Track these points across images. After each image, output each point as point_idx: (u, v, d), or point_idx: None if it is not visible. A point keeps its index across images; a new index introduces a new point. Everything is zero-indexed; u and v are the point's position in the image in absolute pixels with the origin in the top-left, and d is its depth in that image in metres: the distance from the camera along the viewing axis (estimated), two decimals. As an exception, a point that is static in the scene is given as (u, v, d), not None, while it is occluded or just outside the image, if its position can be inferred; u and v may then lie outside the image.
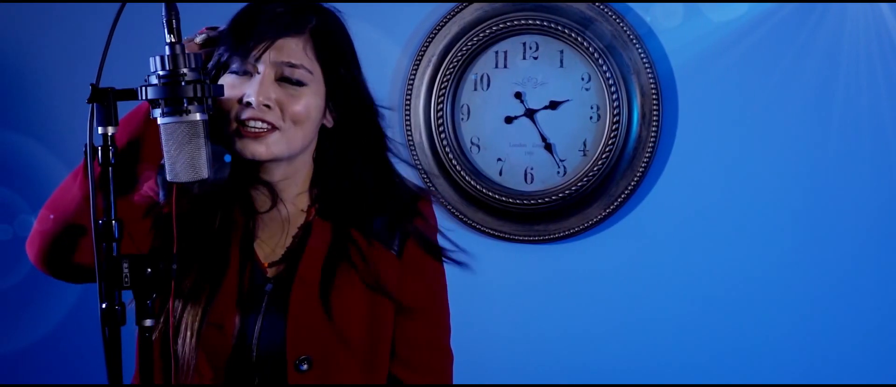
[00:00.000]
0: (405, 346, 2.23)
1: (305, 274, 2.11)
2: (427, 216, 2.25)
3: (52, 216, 2.00)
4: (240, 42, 2.05)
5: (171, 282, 1.92)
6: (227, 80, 2.05)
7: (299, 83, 2.07)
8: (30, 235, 2.05)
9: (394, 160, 2.22)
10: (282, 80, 2.06)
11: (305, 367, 2.08)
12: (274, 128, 2.05)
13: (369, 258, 2.15)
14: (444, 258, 2.26)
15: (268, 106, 2.04)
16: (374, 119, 2.18)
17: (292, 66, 2.06)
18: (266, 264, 2.14)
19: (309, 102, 2.08)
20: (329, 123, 2.15)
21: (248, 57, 2.04)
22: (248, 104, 2.03)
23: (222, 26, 2.11)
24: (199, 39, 2.10)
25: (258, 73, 2.05)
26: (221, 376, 2.09)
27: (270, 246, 2.16)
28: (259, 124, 2.04)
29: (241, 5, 2.11)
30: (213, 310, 2.07)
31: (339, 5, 2.16)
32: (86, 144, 1.78)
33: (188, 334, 2.06)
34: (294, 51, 2.06)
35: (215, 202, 2.12)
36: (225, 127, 2.05)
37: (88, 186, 1.81)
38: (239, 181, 2.13)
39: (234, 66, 2.06)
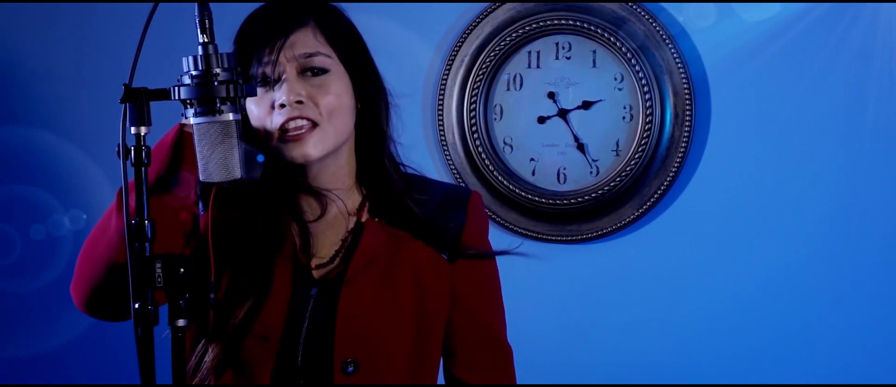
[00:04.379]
0: (463, 346, 2.23)
1: (355, 276, 2.09)
2: (477, 215, 2.23)
3: (92, 261, 1.99)
4: (252, 53, 2.06)
5: (208, 302, 1.94)
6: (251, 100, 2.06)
7: (322, 70, 2.07)
8: (73, 280, 2.03)
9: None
10: (304, 73, 2.06)
11: (351, 369, 2.07)
12: (314, 124, 2.05)
13: (419, 260, 2.14)
14: (495, 255, 2.26)
15: (300, 102, 2.04)
16: (386, 107, 2.18)
17: (309, 55, 2.06)
18: (313, 266, 2.12)
19: (338, 88, 2.08)
20: (358, 106, 2.15)
21: (267, 62, 2.05)
22: (282, 106, 2.03)
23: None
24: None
25: (281, 78, 2.06)
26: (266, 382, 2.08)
27: (317, 248, 2.14)
28: (299, 122, 2.04)
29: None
30: (259, 323, 2.06)
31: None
32: (118, 144, 1.78)
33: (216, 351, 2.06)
34: (306, 41, 2.07)
35: (261, 213, 2.10)
36: (268, 141, 2.05)
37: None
38: (286, 189, 2.13)
39: (255, 77, 2.07)
